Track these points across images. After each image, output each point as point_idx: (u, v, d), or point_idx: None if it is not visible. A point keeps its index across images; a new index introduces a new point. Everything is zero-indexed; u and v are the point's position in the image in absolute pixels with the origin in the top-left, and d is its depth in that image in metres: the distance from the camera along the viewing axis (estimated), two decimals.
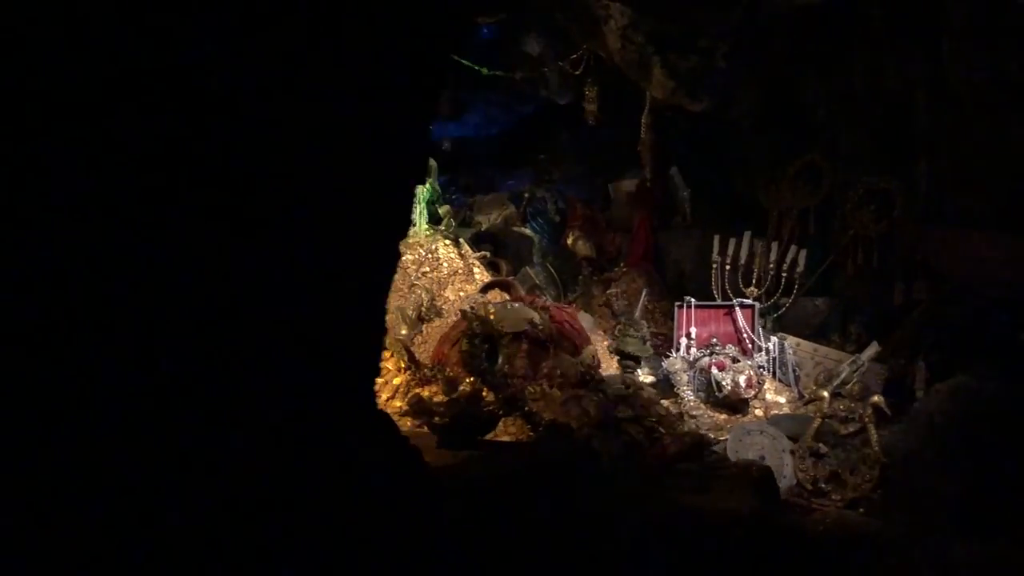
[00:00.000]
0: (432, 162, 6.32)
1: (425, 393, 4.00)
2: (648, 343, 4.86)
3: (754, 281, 6.31)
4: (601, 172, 9.26)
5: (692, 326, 5.65)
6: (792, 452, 4.20)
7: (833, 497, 4.03)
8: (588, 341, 4.69)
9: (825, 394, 4.36)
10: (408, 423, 3.52)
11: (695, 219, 8.22)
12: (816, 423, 4.25)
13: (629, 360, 4.74)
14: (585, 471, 3.19)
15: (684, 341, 5.54)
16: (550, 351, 4.23)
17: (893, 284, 6.63)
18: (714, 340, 5.33)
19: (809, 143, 7.52)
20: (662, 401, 4.98)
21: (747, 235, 6.55)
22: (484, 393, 3.46)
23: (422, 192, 6.17)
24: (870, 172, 7.03)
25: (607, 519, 2.75)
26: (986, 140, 6.47)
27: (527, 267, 7.98)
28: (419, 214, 6.19)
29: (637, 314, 4.77)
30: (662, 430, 3.87)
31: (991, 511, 3.32)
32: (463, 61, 6.66)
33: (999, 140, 6.38)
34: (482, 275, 6.16)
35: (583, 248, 8.04)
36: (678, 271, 8.03)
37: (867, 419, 4.14)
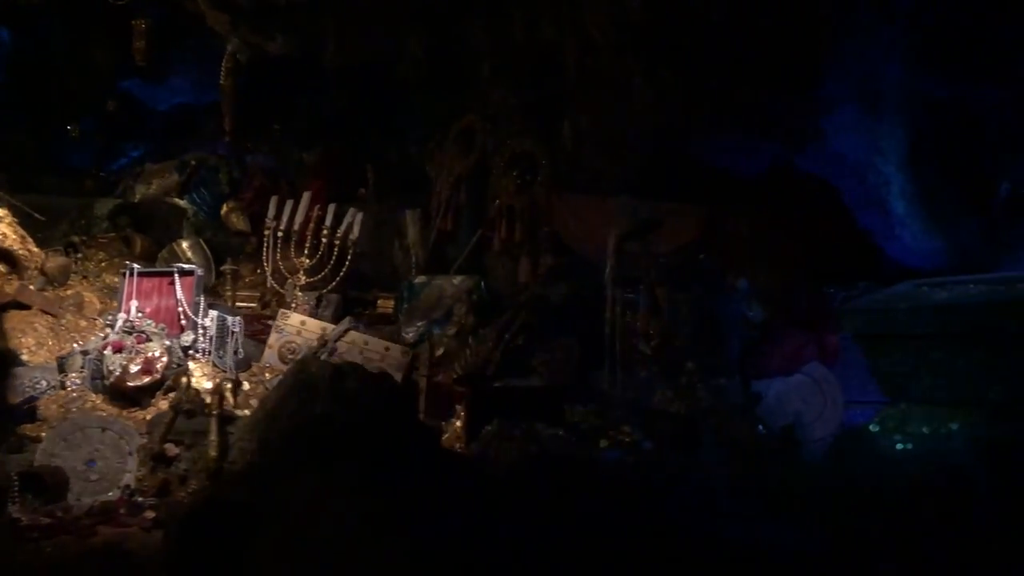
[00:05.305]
0: None
1: None
2: None
3: (306, 251, 5.36)
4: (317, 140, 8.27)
5: (134, 299, 4.67)
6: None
7: (147, 514, 3.08)
8: None
9: (184, 380, 3.41)
10: None
11: (377, 192, 7.29)
12: (168, 417, 3.30)
13: None
14: None
15: (122, 317, 4.57)
16: None
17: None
18: (139, 314, 4.38)
19: (473, 104, 6.64)
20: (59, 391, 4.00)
21: (306, 196, 5.60)
22: None
23: None
24: (519, 135, 6.14)
25: None
26: (617, 93, 5.63)
27: (177, 242, 6.97)
28: None
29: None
30: None
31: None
32: None
33: (626, 92, 5.54)
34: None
35: (237, 221, 7.07)
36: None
37: (209, 411, 3.19)
